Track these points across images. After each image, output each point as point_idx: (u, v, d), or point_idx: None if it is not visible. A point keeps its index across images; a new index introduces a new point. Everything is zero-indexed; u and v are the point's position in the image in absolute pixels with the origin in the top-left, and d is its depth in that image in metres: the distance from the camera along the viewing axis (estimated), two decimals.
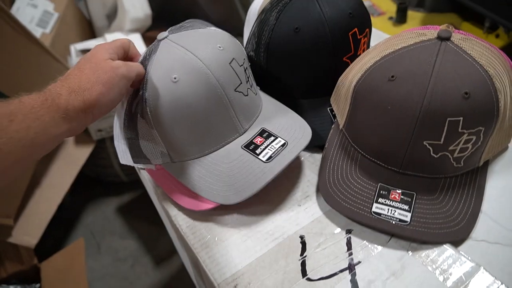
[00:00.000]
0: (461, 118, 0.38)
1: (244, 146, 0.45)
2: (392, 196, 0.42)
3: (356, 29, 0.51)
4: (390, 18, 1.29)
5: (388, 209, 0.41)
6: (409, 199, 0.41)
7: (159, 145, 0.46)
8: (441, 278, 0.37)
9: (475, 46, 0.40)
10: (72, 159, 1.05)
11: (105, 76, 0.38)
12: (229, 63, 0.46)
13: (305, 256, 0.41)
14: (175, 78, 0.43)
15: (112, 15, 1.27)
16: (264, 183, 0.42)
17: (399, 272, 0.39)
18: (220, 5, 1.27)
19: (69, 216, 1.25)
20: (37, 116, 0.33)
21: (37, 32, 1.13)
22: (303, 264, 0.41)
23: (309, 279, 0.39)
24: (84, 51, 1.14)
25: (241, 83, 0.46)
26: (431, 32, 0.42)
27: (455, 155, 0.41)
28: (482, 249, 0.40)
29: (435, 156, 0.40)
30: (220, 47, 0.46)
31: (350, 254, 0.41)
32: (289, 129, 0.47)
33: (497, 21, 1.04)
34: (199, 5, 1.26)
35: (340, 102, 0.48)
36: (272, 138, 0.46)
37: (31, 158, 0.34)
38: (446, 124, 0.38)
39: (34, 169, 0.94)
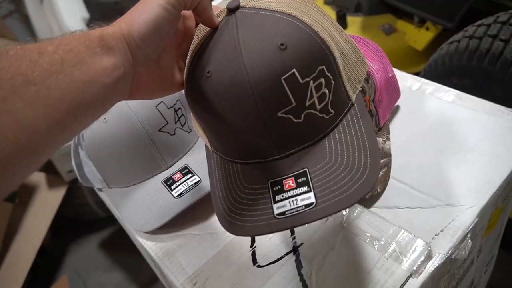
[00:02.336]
0: (294, 70, 0.33)
1: (163, 181, 0.51)
2: (287, 186, 0.34)
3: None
4: None
5: (289, 202, 0.33)
6: (304, 178, 0.34)
7: (97, 173, 0.52)
8: (370, 244, 0.43)
9: None
10: (46, 203, 1.08)
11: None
12: (156, 106, 0.52)
13: (255, 247, 0.46)
14: (104, 119, 0.51)
15: None
16: (169, 218, 0.48)
17: (336, 245, 0.44)
18: None
19: (53, 260, 1.27)
20: (70, 47, 0.27)
21: None
22: (253, 254, 0.46)
23: (259, 266, 0.44)
24: None
25: (167, 123, 0.52)
26: (223, 10, 0.38)
27: (318, 107, 0.35)
28: (405, 214, 0.45)
29: (300, 120, 0.34)
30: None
31: (294, 238, 0.46)
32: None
33: (423, 17, 1.14)
34: None
35: (194, 122, 0.42)
36: (190, 175, 0.51)
37: (71, 101, 0.27)
38: (284, 84, 0.33)
39: (9, 217, 0.96)
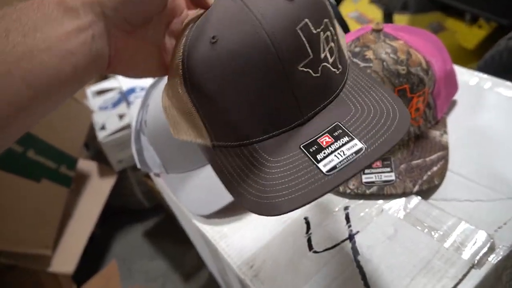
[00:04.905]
0: (306, 20, 0.32)
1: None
2: (325, 143, 0.32)
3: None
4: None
5: (336, 155, 0.31)
6: (340, 131, 0.32)
7: (156, 158, 0.54)
8: (429, 234, 0.43)
9: None
10: (97, 191, 1.13)
11: None
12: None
13: (310, 233, 0.47)
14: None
15: None
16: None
17: (393, 235, 0.44)
18: None
19: (100, 247, 1.33)
20: (18, 15, 0.25)
21: None
22: (309, 240, 0.47)
23: (315, 252, 0.45)
24: (100, 92, 1.24)
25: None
26: None
27: (330, 60, 0.34)
28: (465, 207, 0.45)
29: (318, 74, 0.33)
30: None
31: (350, 226, 0.46)
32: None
33: (477, 14, 1.11)
34: None
35: (181, 124, 0.36)
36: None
37: (40, 77, 0.25)
38: (300, 33, 0.31)
39: (66, 201, 1.02)
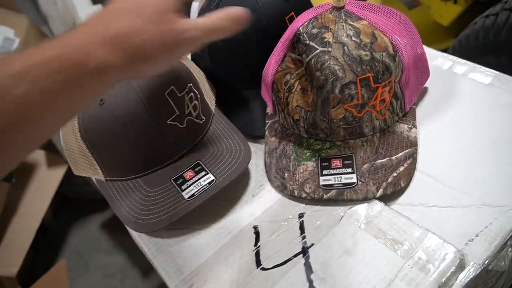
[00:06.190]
0: (172, 87, 0.45)
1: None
2: (188, 177, 0.44)
3: (292, 13, 0.50)
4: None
5: (194, 186, 0.43)
6: (200, 167, 0.45)
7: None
8: (392, 249, 0.37)
9: None
10: (45, 183, 1.04)
11: (168, 36, 0.28)
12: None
13: (259, 246, 0.41)
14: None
15: None
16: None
17: (351, 249, 0.38)
18: None
19: (55, 240, 1.24)
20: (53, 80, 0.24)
21: None
22: (257, 254, 0.40)
23: (263, 268, 0.39)
24: None
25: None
26: None
27: (194, 114, 0.48)
28: (433, 214, 0.39)
29: (184, 125, 0.46)
30: None
31: (304, 237, 0.40)
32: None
33: None
34: None
35: (80, 163, 0.47)
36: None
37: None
38: (168, 97, 0.44)
39: (7, 198, 0.93)
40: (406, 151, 0.44)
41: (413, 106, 0.48)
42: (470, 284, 0.35)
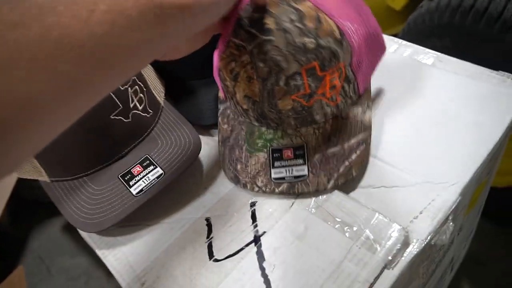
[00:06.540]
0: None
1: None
2: (136, 172, 0.44)
3: None
4: None
5: (143, 181, 0.43)
6: (148, 161, 0.44)
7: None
8: (341, 231, 0.38)
9: None
10: None
11: None
12: None
13: (212, 238, 0.41)
14: None
15: None
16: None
17: (302, 234, 0.39)
18: None
19: (15, 245, 1.19)
20: (123, 9, 0.24)
21: None
22: (209, 246, 0.40)
23: (216, 260, 0.39)
24: None
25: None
26: None
27: (140, 107, 0.47)
28: (380, 194, 0.40)
29: (130, 120, 0.46)
30: None
31: (255, 226, 0.40)
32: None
33: None
34: None
35: (24, 166, 0.46)
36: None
37: (118, 65, 0.25)
38: (111, 92, 0.42)
39: None
40: (359, 136, 0.42)
41: (369, 88, 0.46)
42: (415, 260, 0.36)
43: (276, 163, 0.43)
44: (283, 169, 0.42)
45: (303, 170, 0.42)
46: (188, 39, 0.32)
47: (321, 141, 0.42)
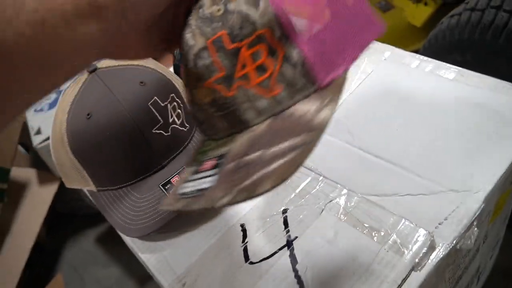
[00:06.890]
0: (155, 97, 0.48)
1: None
2: (175, 182, 0.46)
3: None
4: None
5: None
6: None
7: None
8: (369, 236, 0.40)
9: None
10: (38, 200, 1.05)
11: None
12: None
13: (247, 242, 0.43)
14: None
15: None
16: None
17: (332, 238, 0.41)
18: None
19: (50, 256, 1.25)
20: (55, 5, 0.22)
21: None
22: (245, 250, 0.43)
23: (251, 263, 0.42)
24: None
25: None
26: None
27: (178, 122, 0.50)
28: (406, 202, 0.42)
29: (169, 133, 0.49)
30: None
31: (288, 231, 0.43)
32: None
33: None
34: None
35: (72, 176, 0.50)
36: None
37: (60, 65, 0.24)
38: (151, 107, 0.48)
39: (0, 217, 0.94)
40: (296, 140, 0.26)
41: (341, 78, 0.29)
42: (441, 263, 0.38)
43: (191, 177, 0.32)
44: (192, 183, 0.31)
45: (207, 183, 0.29)
46: (141, 37, 0.30)
47: (246, 145, 0.30)
